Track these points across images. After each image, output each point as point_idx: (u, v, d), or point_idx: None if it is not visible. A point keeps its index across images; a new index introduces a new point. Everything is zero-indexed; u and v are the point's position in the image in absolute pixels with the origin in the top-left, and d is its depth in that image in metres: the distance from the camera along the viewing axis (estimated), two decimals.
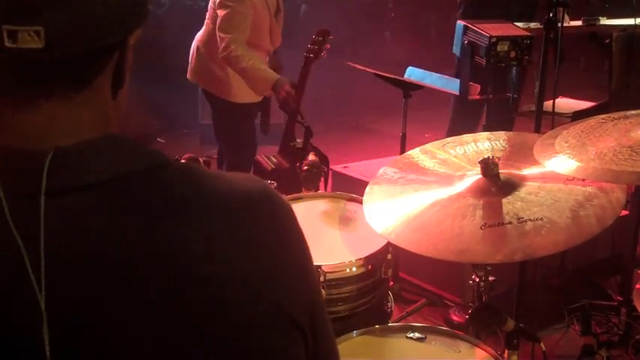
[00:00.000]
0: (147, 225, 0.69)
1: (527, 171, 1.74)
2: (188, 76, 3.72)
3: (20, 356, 0.65)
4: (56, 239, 0.66)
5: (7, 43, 0.64)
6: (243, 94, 3.53)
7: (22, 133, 0.69)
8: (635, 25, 3.09)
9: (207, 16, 3.54)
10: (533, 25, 3.33)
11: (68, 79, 0.70)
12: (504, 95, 3.04)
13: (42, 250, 0.65)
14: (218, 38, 3.27)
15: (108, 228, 0.68)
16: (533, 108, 2.54)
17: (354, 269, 1.91)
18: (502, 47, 2.69)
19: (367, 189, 1.85)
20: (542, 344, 1.67)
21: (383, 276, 1.99)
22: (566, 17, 3.17)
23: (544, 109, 2.47)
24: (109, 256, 0.67)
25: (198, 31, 3.76)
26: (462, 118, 3.76)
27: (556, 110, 2.57)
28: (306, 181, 2.60)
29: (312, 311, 0.78)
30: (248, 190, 0.77)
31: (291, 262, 0.77)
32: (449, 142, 1.98)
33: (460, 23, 2.95)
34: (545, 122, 2.43)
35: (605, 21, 3.60)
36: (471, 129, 3.34)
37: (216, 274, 0.70)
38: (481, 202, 1.64)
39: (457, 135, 2.06)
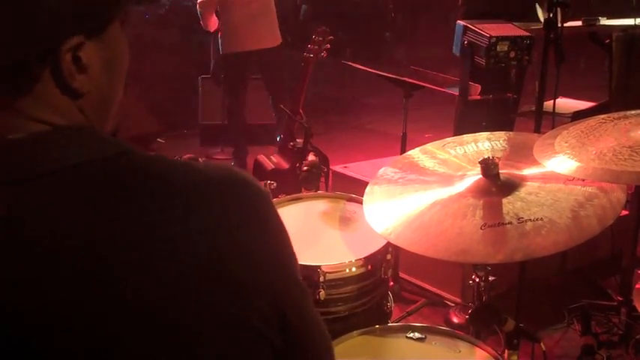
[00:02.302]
0: (103, 214, 0.68)
1: (527, 171, 1.74)
2: (276, 44, 4.56)
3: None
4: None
5: None
6: None
7: None
8: (635, 25, 3.09)
9: None
10: (534, 25, 3.33)
11: (3, 87, 0.70)
12: (504, 95, 3.04)
13: None
14: None
15: (61, 218, 0.67)
16: (533, 108, 2.54)
17: (353, 269, 1.91)
18: (502, 47, 2.70)
19: (367, 189, 1.85)
20: (542, 344, 1.67)
21: (383, 276, 1.99)
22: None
23: (544, 109, 2.47)
24: (61, 247, 0.67)
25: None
26: (468, 119, 3.75)
27: (556, 110, 2.57)
28: (305, 182, 2.60)
29: (282, 300, 0.76)
30: (214, 176, 0.76)
31: (261, 248, 0.75)
32: (449, 142, 1.98)
33: (460, 24, 2.95)
34: (545, 122, 2.43)
35: (605, 21, 3.60)
36: (477, 130, 3.34)
37: (172, 265, 0.69)
38: (481, 202, 1.64)
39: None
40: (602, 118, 1.76)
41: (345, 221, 2.18)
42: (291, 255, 0.80)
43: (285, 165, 3.51)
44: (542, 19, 3.37)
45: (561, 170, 1.58)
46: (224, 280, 0.71)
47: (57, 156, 0.70)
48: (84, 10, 0.71)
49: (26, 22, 0.68)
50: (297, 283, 0.81)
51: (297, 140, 3.38)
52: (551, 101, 2.54)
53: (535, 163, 1.70)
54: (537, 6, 3.48)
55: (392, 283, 2.81)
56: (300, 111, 3.51)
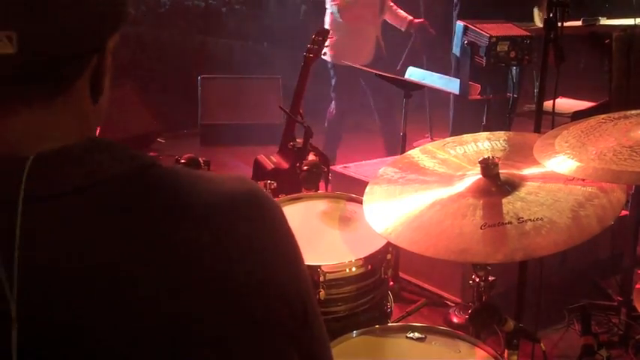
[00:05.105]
0: (133, 230, 0.68)
1: (527, 171, 1.74)
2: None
3: None
4: (33, 247, 0.64)
5: None
6: None
7: (1, 138, 0.68)
8: (635, 25, 3.09)
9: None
10: (534, 25, 3.34)
11: (45, 85, 0.69)
12: (504, 95, 3.04)
13: (16, 259, 0.63)
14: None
15: (90, 235, 0.66)
16: (533, 108, 2.54)
17: (353, 269, 1.91)
18: (502, 47, 2.70)
19: (367, 189, 1.85)
20: (542, 344, 1.67)
21: (383, 276, 1.98)
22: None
23: (544, 109, 2.47)
24: (90, 265, 0.65)
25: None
26: (465, 119, 3.75)
27: (556, 110, 2.57)
28: (305, 182, 2.60)
29: (304, 316, 0.77)
30: (235, 191, 0.76)
31: (281, 265, 0.76)
32: (449, 142, 1.98)
33: (460, 23, 2.95)
34: (545, 122, 2.43)
35: (605, 21, 3.61)
36: (475, 129, 3.35)
37: (204, 279, 0.68)
38: (481, 202, 1.64)
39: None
40: (602, 118, 1.76)
41: (345, 221, 2.18)
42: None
43: (285, 165, 3.50)
44: (538, 23, 3.38)
45: (561, 170, 1.58)
46: (265, 288, 0.72)
47: (90, 170, 0.69)
48: (122, 7, 0.73)
49: (84, 13, 0.68)
50: (311, 289, 0.84)
51: (297, 140, 3.37)
52: (551, 101, 2.54)
53: (535, 163, 1.70)
54: (535, 10, 3.49)
55: (392, 283, 2.81)
56: (300, 111, 3.50)
